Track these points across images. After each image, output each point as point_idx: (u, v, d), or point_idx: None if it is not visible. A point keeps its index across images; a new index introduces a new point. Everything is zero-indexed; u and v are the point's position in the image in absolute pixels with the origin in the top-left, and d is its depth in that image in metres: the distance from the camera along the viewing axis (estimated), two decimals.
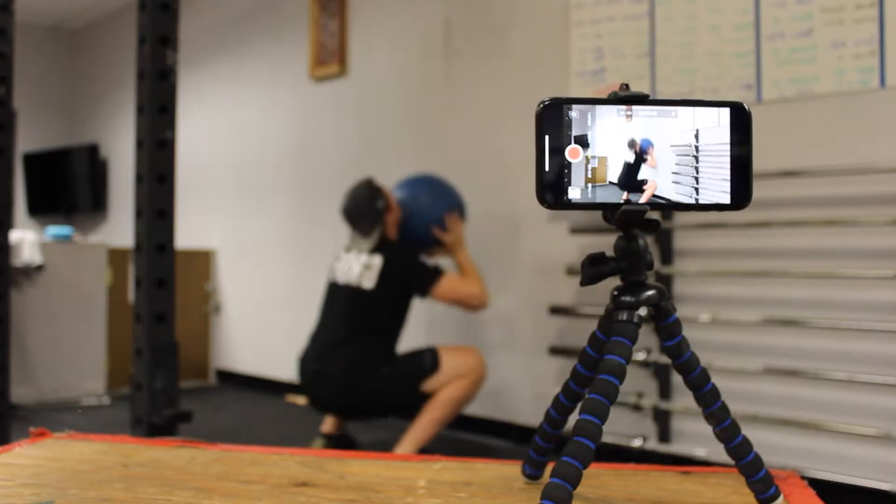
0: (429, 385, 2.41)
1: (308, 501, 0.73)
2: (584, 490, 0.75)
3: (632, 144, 0.68)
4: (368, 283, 2.44)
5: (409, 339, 2.69)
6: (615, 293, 0.71)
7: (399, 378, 2.41)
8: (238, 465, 0.86)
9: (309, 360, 2.50)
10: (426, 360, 2.42)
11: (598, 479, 0.81)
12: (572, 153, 0.67)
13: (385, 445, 2.64)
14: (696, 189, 0.69)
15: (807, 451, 2.13)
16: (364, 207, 2.49)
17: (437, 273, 2.45)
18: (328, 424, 2.65)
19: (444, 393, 2.40)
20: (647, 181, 0.68)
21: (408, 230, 2.57)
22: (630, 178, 0.68)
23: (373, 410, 2.51)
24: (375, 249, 2.49)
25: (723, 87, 2.31)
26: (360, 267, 2.48)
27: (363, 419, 2.72)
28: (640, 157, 0.68)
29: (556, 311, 2.65)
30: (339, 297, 2.51)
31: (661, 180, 0.68)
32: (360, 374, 2.40)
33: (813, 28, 2.13)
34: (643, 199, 0.68)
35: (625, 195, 0.68)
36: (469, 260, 2.58)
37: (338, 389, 2.41)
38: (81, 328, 3.78)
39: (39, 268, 3.63)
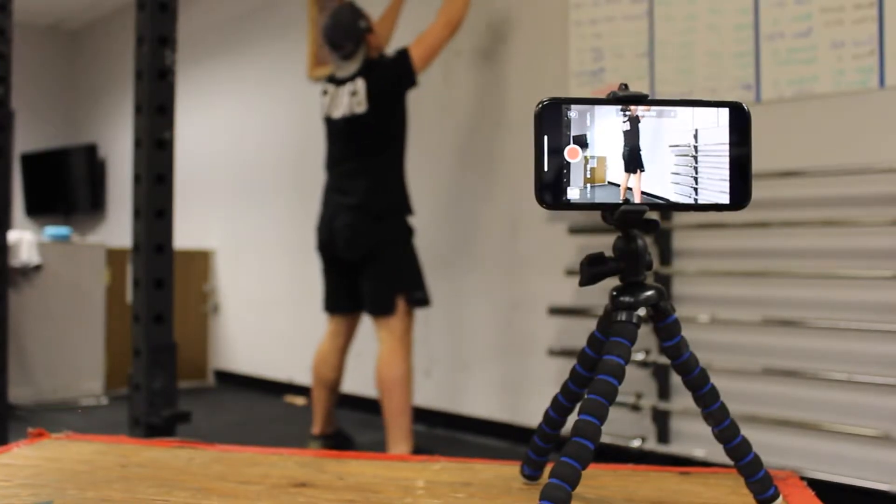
0: (399, 302, 2.42)
1: (307, 502, 0.73)
2: (583, 490, 0.75)
3: (631, 141, 0.68)
4: (360, 107, 2.46)
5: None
6: (614, 293, 0.71)
7: (399, 266, 2.46)
8: (237, 466, 0.86)
9: (331, 195, 2.53)
10: (417, 291, 2.46)
11: (597, 479, 0.81)
12: (571, 153, 0.67)
13: (384, 446, 2.64)
14: (696, 189, 0.69)
15: (806, 451, 2.13)
16: (346, 28, 2.48)
17: (405, 53, 2.47)
18: (318, 425, 2.65)
19: (384, 376, 2.40)
20: (641, 177, 0.68)
21: None
22: (633, 157, 0.67)
23: (372, 258, 2.47)
24: (358, 73, 2.49)
25: (722, 88, 2.32)
26: (349, 96, 2.49)
27: (363, 261, 2.57)
28: (635, 123, 0.68)
29: (555, 311, 2.65)
30: (341, 131, 2.53)
31: (660, 180, 0.68)
32: (377, 209, 2.43)
33: (812, 28, 2.13)
34: (635, 197, 0.68)
35: (623, 195, 0.68)
36: None
37: (355, 220, 2.43)
38: (80, 328, 3.77)
39: (37, 268, 3.63)
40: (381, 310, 2.44)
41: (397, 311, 2.43)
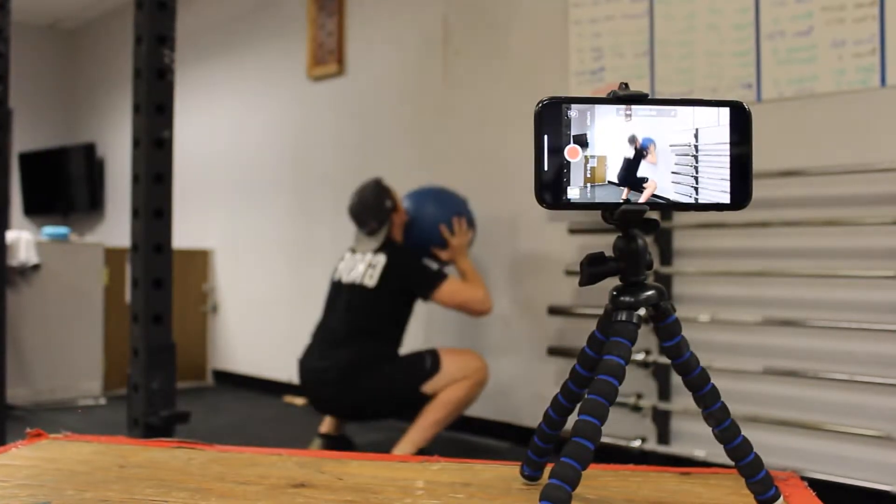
0: (429, 387, 2.40)
1: (306, 502, 0.73)
2: (583, 491, 0.74)
3: (632, 140, 0.68)
4: (371, 281, 2.45)
5: (409, 340, 2.68)
6: (614, 293, 0.70)
7: (400, 379, 2.41)
8: (235, 466, 0.86)
9: (310, 360, 2.50)
10: (427, 362, 2.42)
11: (597, 479, 0.80)
12: (571, 153, 0.67)
13: (383, 446, 2.64)
14: (696, 189, 0.69)
15: (807, 451, 2.13)
16: (371, 207, 2.49)
17: (439, 276, 2.45)
18: (327, 425, 2.65)
19: (444, 394, 2.40)
20: (647, 179, 0.68)
21: (414, 234, 2.57)
22: (629, 175, 0.67)
23: (373, 412, 2.51)
24: (380, 249, 2.49)
25: (722, 87, 2.31)
26: (364, 266, 2.48)
27: (363, 420, 2.72)
28: (640, 153, 0.68)
29: (555, 311, 2.65)
30: (342, 296, 2.51)
31: (660, 180, 0.68)
32: (361, 375, 2.39)
33: (813, 27, 2.13)
34: (643, 198, 0.68)
35: (624, 195, 0.68)
36: (472, 266, 2.58)
37: (338, 390, 2.41)
38: (78, 328, 3.77)
39: (35, 268, 3.62)
40: (420, 402, 2.41)
41: (442, 366, 2.40)
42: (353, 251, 2.58)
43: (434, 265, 2.51)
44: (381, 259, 2.46)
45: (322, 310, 2.61)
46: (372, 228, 2.50)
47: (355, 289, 2.47)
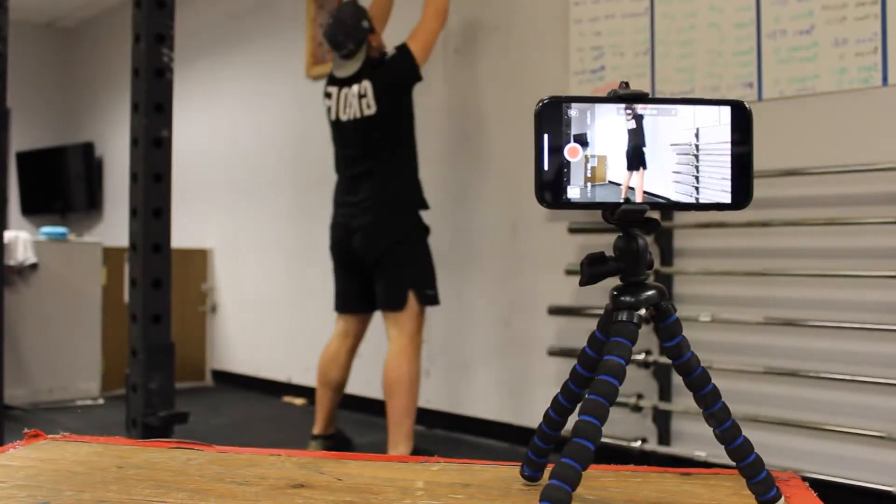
0: (409, 299, 2.43)
1: (305, 503, 0.73)
2: (584, 492, 0.74)
3: (633, 140, 0.67)
4: (369, 109, 2.47)
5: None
6: (614, 293, 0.70)
7: (411, 264, 2.47)
8: (234, 467, 0.85)
9: (343, 196, 2.53)
10: (427, 290, 2.46)
11: (598, 480, 0.80)
12: (571, 152, 0.67)
13: (383, 447, 2.63)
14: (697, 188, 0.69)
15: (808, 452, 2.12)
16: (349, 26, 2.48)
17: (405, 49, 2.48)
18: (319, 425, 2.64)
19: (391, 376, 2.40)
20: (643, 175, 0.68)
21: None
22: (635, 154, 0.67)
23: (386, 258, 2.48)
24: (361, 74, 2.49)
25: (723, 86, 2.31)
26: (357, 99, 2.49)
27: (377, 266, 2.58)
28: (640, 121, 0.67)
29: (556, 311, 2.64)
30: (351, 133, 2.53)
31: (661, 179, 0.68)
32: (391, 209, 2.44)
33: (814, 26, 2.13)
34: (637, 195, 0.68)
35: (624, 194, 0.67)
36: None
37: (371, 221, 2.44)
38: (76, 328, 3.76)
39: (34, 267, 3.62)
40: (392, 304, 2.44)
41: (408, 308, 2.44)
42: (333, 80, 2.57)
43: (394, 49, 2.52)
44: (368, 85, 2.47)
45: (335, 152, 2.61)
46: (349, 50, 2.49)
47: (360, 122, 2.48)
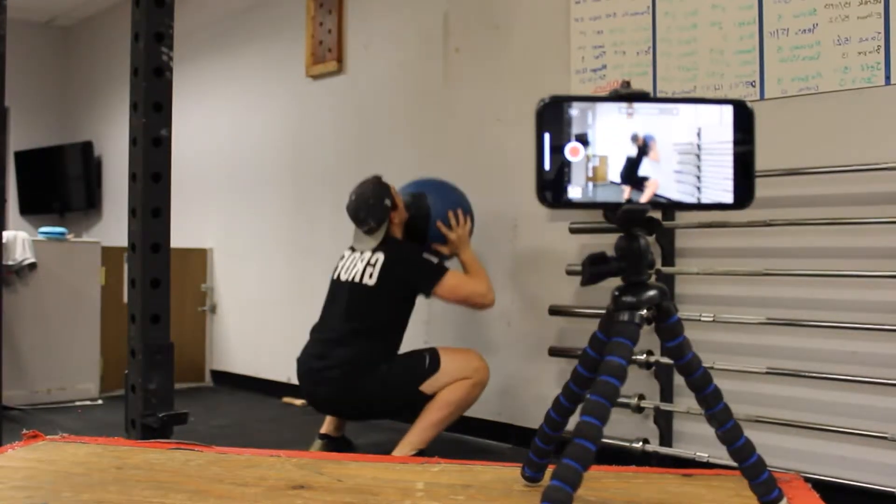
0: (428, 386, 2.39)
1: None
2: (585, 492, 0.74)
3: (634, 138, 0.67)
4: (371, 279, 2.43)
5: (409, 339, 2.67)
6: (616, 293, 0.70)
7: (399, 378, 2.39)
8: (234, 468, 0.85)
9: (308, 360, 2.49)
10: (426, 360, 2.40)
11: (599, 481, 0.80)
12: (572, 151, 0.66)
13: (383, 447, 2.63)
14: (699, 188, 0.68)
15: (810, 453, 2.12)
16: (370, 205, 2.47)
17: (440, 270, 2.42)
18: (327, 426, 2.63)
19: (444, 394, 2.38)
20: (648, 178, 0.67)
21: (413, 229, 2.55)
22: (632, 174, 0.67)
23: (372, 411, 2.50)
24: (379, 247, 2.47)
25: (725, 85, 2.31)
26: (364, 264, 2.46)
27: (363, 419, 2.71)
28: (643, 150, 0.67)
29: (556, 311, 2.64)
30: (342, 294, 2.50)
31: (663, 179, 0.67)
32: (359, 375, 2.38)
33: (817, 24, 2.12)
34: (644, 197, 0.67)
35: (626, 194, 0.67)
36: (474, 258, 2.56)
37: (336, 390, 2.39)
38: (75, 328, 3.75)
39: (32, 267, 3.61)
40: (419, 402, 2.39)
41: (441, 368, 2.37)
42: (353, 249, 2.57)
43: (434, 259, 2.48)
44: (380, 257, 2.44)
45: (322, 308, 2.60)
46: (370, 227, 2.48)
47: (355, 287, 2.45)
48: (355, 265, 2.49)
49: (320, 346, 2.47)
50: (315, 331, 2.55)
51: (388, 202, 2.48)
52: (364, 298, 2.42)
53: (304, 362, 2.50)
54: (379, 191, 2.49)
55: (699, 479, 0.82)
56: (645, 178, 0.67)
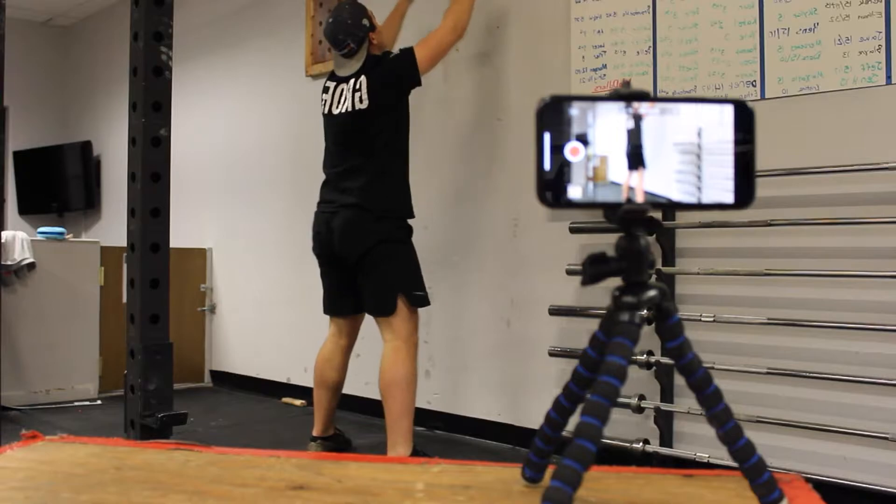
0: (399, 304, 2.39)
1: None
2: (585, 493, 0.73)
3: (629, 102, 0.67)
4: (361, 103, 2.43)
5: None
6: (616, 293, 0.70)
7: (396, 268, 2.42)
8: (233, 469, 0.85)
9: (327, 197, 2.50)
10: (414, 292, 2.43)
11: (600, 482, 0.80)
12: (573, 151, 0.66)
13: (383, 448, 2.63)
14: (699, 188, 0.68)
15: (811, 453, 2.12)
16: (349, 25, 2.46)
17: (409, 53, 2.45)
18: (317, 427, 2.63)
19: (387, 377, 2.37)
20: (643, 163, 0.67)
21: None
22: (635, 153, 0.66)
23: (365, 261, 2.45)
24: (360, 71, 2.47)
25: (726, 84, 2.31)
26: (351, 93, 2.46)
27: (359, 269, 2.56)
28: (637, 119, 0.67)
29: (556, 311, 2.64)
30: (340, 127, 2.50)
31: (662, 179, 0.67)
32: (369, 209, 2.38)
33: (818, 24, 2.12)
34: (638, 194, 0.67)
35: (625, 194, 0.67)
36: None
37: (357, 219, 2.40)
38: (74, 329, 3.75)
39: (31, 267, 3.61)
40: (382, 310, 2.42)
41: (399, 311, 2.41)
42: (333, 78, 2.55)
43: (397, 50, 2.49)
44: (363, 80, 2.44)
45: (325, 146, 2.58)
46: (350, 49, 2.47)
47: (350, 115, 2.45)
48: (343, 96, 2.49)
49: (339, 179, 2.47)
50: (328, 167, 2.54)
51: (366, 22, 2.48)
52: (363, 123, 2.43)
53: (325, 199, 2.51)
54: (356, 11, 2.49)
55: (700, 479, 0.82)
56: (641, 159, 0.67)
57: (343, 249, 2.47)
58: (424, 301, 2.49)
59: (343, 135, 2.48)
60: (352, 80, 2.47)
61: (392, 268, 2.44)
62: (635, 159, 0.67)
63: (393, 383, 2.36)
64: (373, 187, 2.42)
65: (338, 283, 2.56)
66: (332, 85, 2.55)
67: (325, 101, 2.57)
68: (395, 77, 2.46)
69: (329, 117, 2.54)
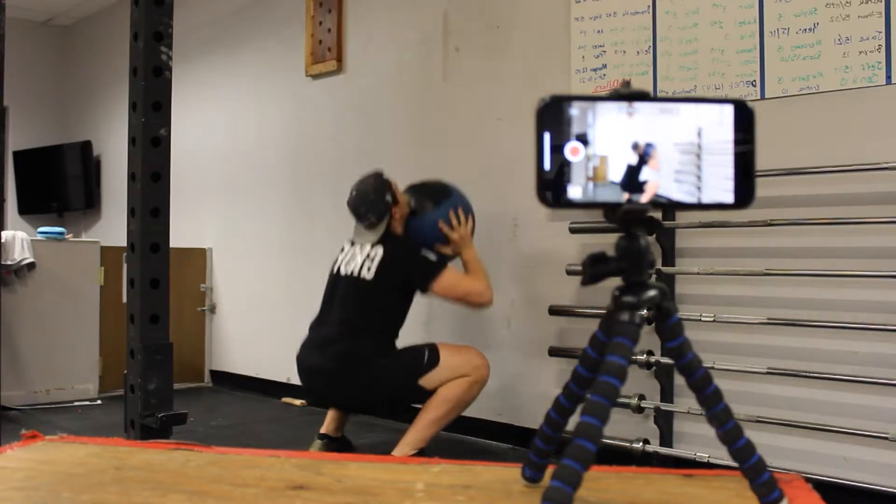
0: (428, 381, 2.38)
1: None
2: (585, 493, 0.73)
3: (635, 147, 0.67)
4: (369, 273, 2.42)
5: (408, 336, 2.67)
6: (616, 293, 0.70)
7: (397, 371, 2.38)
8: (233, 468, 0.85)
9: (307, 352, 2.49)
10: (425, 355, 2.39)
11: (600, 482, 0.80)
12: (573, 151, 0.66)
13: (383, 448, 2.62)
14: (699, 188, 0.68)
15: (811, 453, 2.12)
16: (371, 200, 2.46)
17: (438, 267, 2.41)
18: (328, 426, 2.63)
19: (443, 391, 2.38)
20: (647, 182, 0.67)
21: (414, 229, 2.54)
22: (632, 180, 0.67)
23: (370, 404, 2.50)
24: (379, 242, 2.47)
25: (726, 84, 2.30)
26: (363, 257, 2.46)
27: (361, 412, 2.70)
28: (643, 159, 0.67)
29: (556, 311, 2.64)
30: (340, 288, 2.49)
31: (663, 180, 0.67)
32: (356, 368, 2.37)
33: (818, 24, 2.12)
34: (644, 198, 0.67)
35: (626, 195, 0.67)
36: (475, 257, 2.55)
37: (334, 382, 2.39)
38: (74, 328, 3.75)
39: (31, 267, 3.61)
40: (418, 397, 2.39)
41: (439, 369, 2.36)
42: (353, 243, 2.57)
43: (433, 256, 2.47)
44: (379, 251, 2.44)
45: (321, 302, 2.59)
46: (371, 222, 2.48)
47: (352, 281, 2.45)
48: (354, 258, 2.50)
49: (318, 341, 2.47)
50: (314, 325, 2.55)
51: (388, 197, 2.48)
52: (362, 293, 2.42)
53: (302, 358, 2.50)
54: (380, 186, 2.49)
55: (700, 479, 0.82)
56: (644, 182, 0.67)
57: (334, 404, 2.54)
58: (435, 353, 2.41)
59: (341, 297, 2.47)
60: (367, 247, 2.47)
61: (385, 377, 2.38)
62: (633, 182, 0.67)
63: (446, 399, 2.36)
64: (357, 354, 2.38)
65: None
66: (347, 247, 2.58)
67: (337, 260, 2.58)
68: (409, 274, 2.43)
69: (334, 276, 2.55)
